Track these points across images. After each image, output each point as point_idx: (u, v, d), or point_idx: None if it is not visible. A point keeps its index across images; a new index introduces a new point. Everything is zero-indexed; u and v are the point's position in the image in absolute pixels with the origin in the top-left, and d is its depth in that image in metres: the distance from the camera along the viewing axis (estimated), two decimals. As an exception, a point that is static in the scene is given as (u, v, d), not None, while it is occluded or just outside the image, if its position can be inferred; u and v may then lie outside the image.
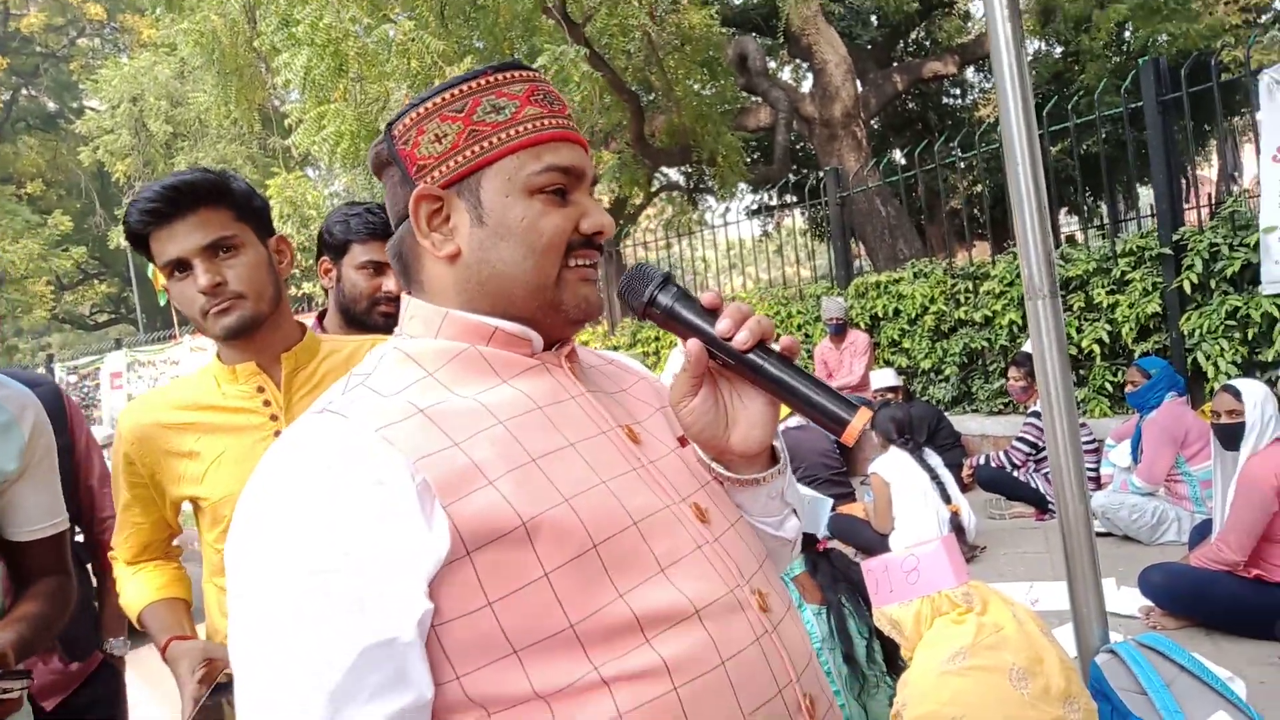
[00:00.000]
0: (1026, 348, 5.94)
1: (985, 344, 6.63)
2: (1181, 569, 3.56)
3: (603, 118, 9.35)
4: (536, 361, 0.93)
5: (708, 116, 10.07)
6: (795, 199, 13.50)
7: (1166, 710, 2.11)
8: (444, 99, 0.89)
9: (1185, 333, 5.33)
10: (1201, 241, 5.25)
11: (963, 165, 7.86)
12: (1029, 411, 5.55)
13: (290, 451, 0.81)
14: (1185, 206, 5.84)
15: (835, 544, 3.91)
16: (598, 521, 0.81)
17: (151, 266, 1.72)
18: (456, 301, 0.91)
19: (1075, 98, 6.33)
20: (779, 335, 0.85)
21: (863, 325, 7.41)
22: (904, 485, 4.50)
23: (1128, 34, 11.81)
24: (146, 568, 1.61)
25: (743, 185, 13.26)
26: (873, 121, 12.57)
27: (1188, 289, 5.30)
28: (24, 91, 23.31)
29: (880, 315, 7.30)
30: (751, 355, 0.89)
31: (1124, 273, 5.70)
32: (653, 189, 14.34)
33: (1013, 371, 5.62)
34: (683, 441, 0.98)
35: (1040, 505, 5.31)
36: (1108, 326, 5.75)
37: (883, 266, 9.27)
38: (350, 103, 7.99)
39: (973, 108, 15.61)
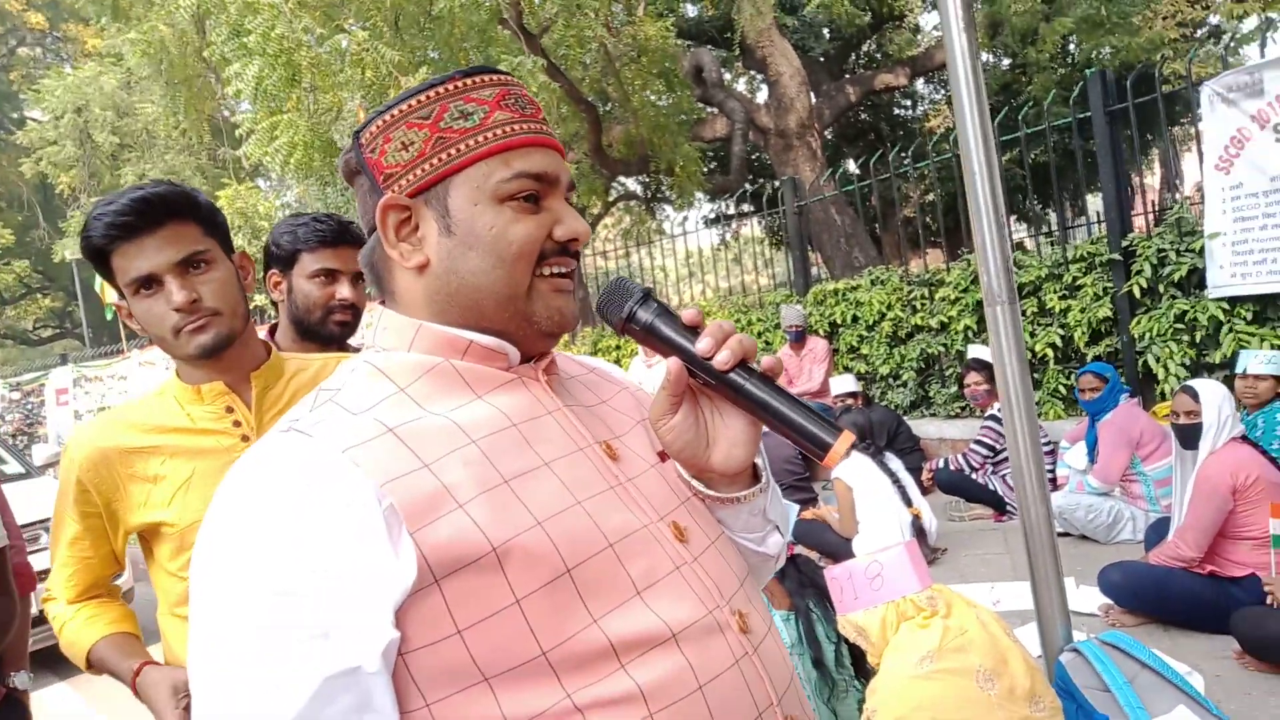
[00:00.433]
0: (973, 352, 6.04)
1: (941, 349, 6.72)
2: (1139, 567, 3.63)
3: (560, 128, 9.35)
4: (513, 376, 0.90)
5: (665, 127, 10.13)
6: (752, 208, 13.62)
7: (1130, 706, 2.14)
8: (411, 105, 0.87)
9: (1136, 336, 5.45)
10: (1150, 247, 5.38)
11: (915, 175, 7.97)
12: (986, 415, 5.62)
13: (255, 470, 0.78)
14: (1132, 213, 5.98)
15: (800, 549, 3.93)
16: (572, 544, 0.79)
17: (100, 281, 1.66)
18: (428, 313, 0.89)
19: (1024, 108, 6.45)
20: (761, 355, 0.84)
21: (821, 332, 7.47)
22: (866, 489, 4.53)
23: (1073, 47, 12.16)
24: (90, 605, 1.52)
25: (700, 195, 13.32)
26: (827, 132, 12.73)
27: (1137, 293, 5.42)
28: (-38, 102, 22.67)
29: (839, 322, 7.37)
30: (733, 375, 0.86)
31: (1075, 278, 5.81)
32: (610, 199, 14.37)
33: (972, 376, 5.64)
34: (663, 456, 0.95)
35: (999, 507, 5.38)
36: (1060, 331, 5.87)
37: (839, 274, 9.38)
38: (303, 113, 7.87)
39: (923, 119, 15.90)
